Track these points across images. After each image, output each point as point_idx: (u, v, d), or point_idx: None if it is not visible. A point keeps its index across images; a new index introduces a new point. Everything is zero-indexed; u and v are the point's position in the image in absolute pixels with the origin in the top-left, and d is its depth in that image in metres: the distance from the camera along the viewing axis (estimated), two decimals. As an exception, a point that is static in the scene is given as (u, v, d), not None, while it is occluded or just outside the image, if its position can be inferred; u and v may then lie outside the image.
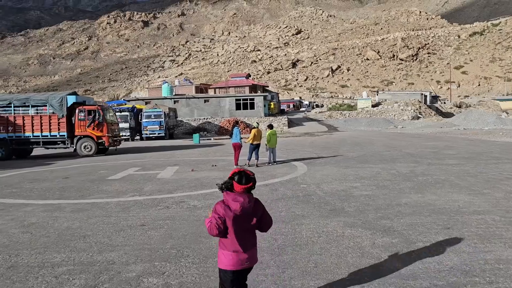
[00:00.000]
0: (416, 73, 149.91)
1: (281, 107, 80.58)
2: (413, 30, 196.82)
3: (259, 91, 63.44)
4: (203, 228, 6.53)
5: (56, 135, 22.05)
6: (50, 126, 21.95)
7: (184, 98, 50.03)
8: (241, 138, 15.14)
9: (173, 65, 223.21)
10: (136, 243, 6.00)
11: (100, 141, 22.27)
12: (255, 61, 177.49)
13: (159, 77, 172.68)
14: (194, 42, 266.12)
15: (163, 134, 36.46)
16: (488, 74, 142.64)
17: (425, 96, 73.75)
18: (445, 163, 13.82)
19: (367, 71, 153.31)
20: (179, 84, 72.11)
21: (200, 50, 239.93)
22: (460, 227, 6.16)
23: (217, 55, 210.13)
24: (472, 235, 5.76)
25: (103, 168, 15.88)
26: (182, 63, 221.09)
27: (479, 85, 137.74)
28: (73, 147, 22.24)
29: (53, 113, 21.90)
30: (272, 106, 64.09)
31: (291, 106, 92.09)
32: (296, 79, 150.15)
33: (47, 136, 22.02)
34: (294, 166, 14.34)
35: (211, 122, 45.22)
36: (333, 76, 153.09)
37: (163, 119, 36.44)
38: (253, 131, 14.86)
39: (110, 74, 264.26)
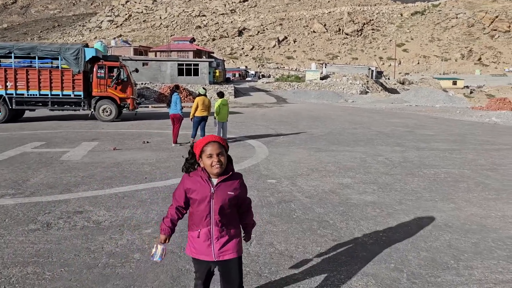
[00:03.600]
0: (360, 48, 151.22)
1: (227, 76, 76.57)
2: (359, 5, 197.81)
3: (204, 57, 58.96)
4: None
5: (69, 95, 18.14)
6: (62, 83, 17.92)
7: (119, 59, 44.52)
8: (182, 108, 11.57)
9: (112, 26, 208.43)
10: None
11: (123, 103, 18.76)
12: (200, 27, 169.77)
13: (95, 37, 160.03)
14: (135, 2, 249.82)
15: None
16: (427, 53, 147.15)
17: (372, 71, 73.06)
18: (435, 147, 11.25)
19: (313, 44, 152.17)
20: (115, 45, 65.57)
21: (142, 12, 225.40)
22: None
23: (160, 18, 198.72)
24: None
25: (-8, 142, 11.66)
26: (121, 25, 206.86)
27: (418, 63, 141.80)
28: (89, 109, 18.56)
29: (66, 67, 17.81)
30: (217, 74, 59.92)
31: (237, 75, 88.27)
32: (242, 48, 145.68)
33: (58, 95, 18.02)
34: (250, 147, 11.10)
35: (150, 88, 40.54)
36: (279, 47, 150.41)
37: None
38: (197, 100, 11.37)
39: (41, 32, 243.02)
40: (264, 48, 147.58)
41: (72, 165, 8.46)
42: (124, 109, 19.25)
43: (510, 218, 5.23)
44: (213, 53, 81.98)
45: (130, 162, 8.83)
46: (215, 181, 2.45)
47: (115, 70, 18.54)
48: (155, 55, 60.56)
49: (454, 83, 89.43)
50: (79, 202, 5.83)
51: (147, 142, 11.83)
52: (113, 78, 18.37)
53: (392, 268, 3.73)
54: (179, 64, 44.14)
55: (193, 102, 11.49)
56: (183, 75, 43.67)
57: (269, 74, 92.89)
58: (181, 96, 36.33)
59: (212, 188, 2.43)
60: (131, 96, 18.92)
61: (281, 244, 4.27)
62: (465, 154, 10.17)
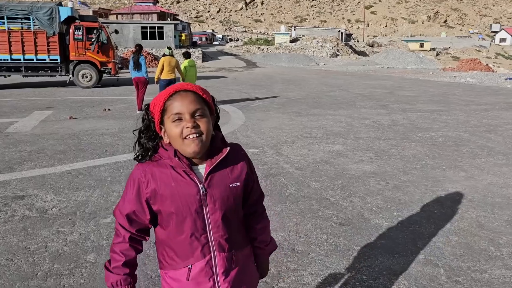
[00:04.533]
0: (328, 10, 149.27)
1: (193, 40, 73.78)
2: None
3: (168, 19, 56.19)
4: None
5: (45, 59, 16.45)
6: (36, 46, 16.11)
7: (76, 22, 41.56)
8: (147, 71, 10.34)
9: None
10: None
11: (104, 68, 17.11)
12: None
13: (51, 0, 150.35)
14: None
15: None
16: (394, 15, 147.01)
17: (342, 33, 72.11)
18: (421, 109, 10.59)
19: (281, 6, 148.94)
20: (72, 7, 61.38)
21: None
22: None
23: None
24: None
25: None
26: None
27: (386, 25, 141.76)
28: (67, 75, 16.83)
29: (39, 29, 16.01)
30: (183, 38, 57.44)
31: (204, 39, 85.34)
32: (208, 11, 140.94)
33: (33, 60, 16.32)
34: (224, 112, 10.07)
35: (112, 53, 38.19)
36: (246, 9, 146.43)
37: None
38: (162, 60, 10.18)
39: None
40: (231, 11, 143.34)
41: (19, 138, 7.25)
42: (105, 74, 17.64)
43: (533, 187, 4.56)
44: (178, 15, 78.63)
45: (89, 132, 7.69)
46: (202, 169, 1.34)
47: (94, 31, 16.74)
48: (116, 18, 57.24)
49: (421, 45, 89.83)
50: (22, 183, 4.75)
51: (109, 109, 10.59)
52: (93, 40, 16.62)
53: (423, 261, 2.95)
54: (142, 27, 41.78)
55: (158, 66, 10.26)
56: (147, 39, 41.39)
57: (237, 38, 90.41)
58: (146, 60, 34.35)
59: (200, 185, 1.32)
60: (112, 60, 17.24)
61: (278, 233, 3.39)
62: (454, 115, 9.55)
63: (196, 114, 1.28)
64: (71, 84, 17.11)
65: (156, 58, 36.82)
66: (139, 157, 1.36)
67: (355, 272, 2.81)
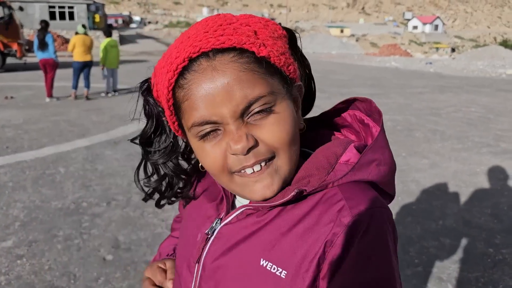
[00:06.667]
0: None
1: (108, 22, 69.38)
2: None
3: (80, -1, 51.97)
4: None
5: None
6: None
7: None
8: (56, 52, 8.90)
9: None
10: None
11: (8, 50, 14.65)
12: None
13: None
14: None
15: None
16: (315, 1, 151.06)
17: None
18: (359, 92, 10.41)
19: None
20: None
21: None
22: None
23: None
24: None
25: None
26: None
27: (307, 11, 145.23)
28: None
29: None
30: (97, 20, 53.63)
31: (120, 21, 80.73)
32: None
33: None
34: (151, 99, 9.03)
35: (16, 35, 34.32)
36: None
37: None
38: (74, 39, 8.82)
39: None
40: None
41: None
42: (10, 57, 15.27)
43: (499, 172, 4.28)
44: (92, -5, 73.28)
45: (-17, 126, 6.29)
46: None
47: None
48: (20, -4, 51.72)
49: (342, 31, 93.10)
50: None
51: (11, 97, 9.01)
52: None
53: (424, 274, 2.39)
54: (50, 6, 38.07)
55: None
56: (56, 19, 37.87)
57: (157, 21, 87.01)
58: (56, 43, 31.26)
59: (217, 219, 0.61)
60: (18, 41, 14.96)
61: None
62: (394, 98, 9.43)
63: (254, 111, 0.52)
64: None
65: (67, 41, 33.73)
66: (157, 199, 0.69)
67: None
